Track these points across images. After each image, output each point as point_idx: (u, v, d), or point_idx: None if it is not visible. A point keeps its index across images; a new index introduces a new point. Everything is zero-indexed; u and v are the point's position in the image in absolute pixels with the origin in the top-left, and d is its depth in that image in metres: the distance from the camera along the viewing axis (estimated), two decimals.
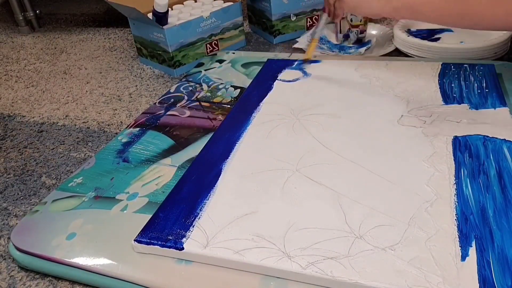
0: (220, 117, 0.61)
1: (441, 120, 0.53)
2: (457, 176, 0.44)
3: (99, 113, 0.72)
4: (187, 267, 0.39)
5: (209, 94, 0.67)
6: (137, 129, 0.60)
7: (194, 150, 0.54)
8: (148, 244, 0.40)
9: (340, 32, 0.82)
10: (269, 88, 0.65)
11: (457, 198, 0.41)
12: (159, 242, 0.40)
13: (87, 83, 0.83)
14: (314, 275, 0.35)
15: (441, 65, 0.65)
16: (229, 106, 0.63)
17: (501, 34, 0.70)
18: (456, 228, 0.38)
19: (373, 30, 0.85)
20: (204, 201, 0.44)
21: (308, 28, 0.89)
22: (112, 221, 0.45)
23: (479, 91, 0.58)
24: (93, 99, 0.77)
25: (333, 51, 0.80)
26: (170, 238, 0.40)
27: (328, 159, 0.49)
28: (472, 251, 0.36)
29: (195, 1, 0.93)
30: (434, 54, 0.70)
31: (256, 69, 0.73)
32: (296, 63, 0.72)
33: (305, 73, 0.68)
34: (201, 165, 0.50)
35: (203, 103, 0.65)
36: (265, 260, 0.37)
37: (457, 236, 0.37)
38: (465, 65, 0.64)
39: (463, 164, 0.45)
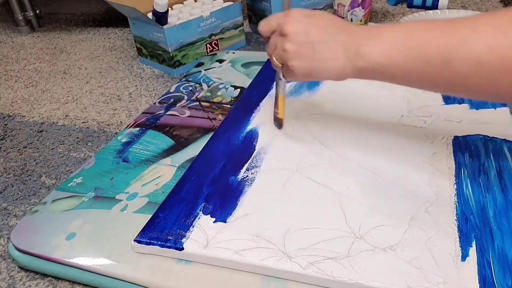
0: (220, 117, 0.61)
1: (441, 120, 0.53)
2: (457, 176, 0.44)
3: (99, 113, 0.72)
4: (187, 267, 0.39)
5: (209, 94, 0.67)
6: (137, 129, 0.60)
7: (194, 150, 0.54)
8: (148, 244, 0.40)
9: None
10: (269, 88, 0.65)
11: (457, 198, 0.41)
12: (159, 242, 0.40)
13: (87, 83, 0.83)
14: (314, 275, 0.35)
15: None
16: (229, 106, 0.63)
17: None
18: (456, 228, 0.38)
19: None
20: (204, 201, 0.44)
21: None
22: (112, 221, 0.45)
23: None
24: (93, 99, 0.77)
25: None
26: (170, 238, 0.40)
27: (328, 159, 0.49)
28: (472, 251, 0.36)
29: (195, 1, 0.93)
30: None
31: (256, 69, 0.73)
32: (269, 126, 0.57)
33: None
34: (201, 165, 0.50)
35: (203, 103, 0.65)
36: (265, 260, 0.37)
37: (457, 236, 0.37)
38: None
39: (463, 164, 0.45)
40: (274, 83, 0.54)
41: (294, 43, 0.43)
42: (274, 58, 0.47)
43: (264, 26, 0.47)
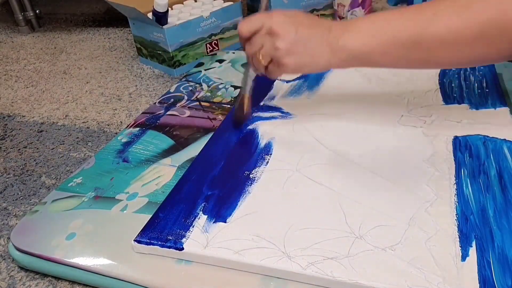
0: (220, 117, 0.61)
1: (441, 120, 0.53)
2: (457, 176, 0.44)
3: (99, 113, 0.72)
4: (187, 267, 0.39)
5: (209, 94, 0.67)
6: (137, 129, 0.60)
7: (194, 150, 0.54)
8: (148, 244, 0.40)
9: None
10: (269, 88, 0.65)
11: (457, 198, 0.41)
12: (159, 242, 0.40)
13: (87, 83, 0.83)
14: (314, 275, 0.35)
15: None
16: (229, 106, 0.63)
17: None
18: (456, 228, 0.38)
19: None
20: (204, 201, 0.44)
21: None
22: (112, 221, 0.45)
23: (479, 91, 0.58)
24: (93, 99, 0.77)
25: None
26: (170, 238, 0.40)
27: (328, 159, 0.49)
28: (472, 251, 0.36)
29: (195, 1, 0.93)
30: None
31: None
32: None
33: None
34: (201, 165, 0.50)
35: (203, 103, 0.65)
36: (265, 260, 0.37)
37: (457, 236, 0.37)
38: None
39: (463, 164, 0.45)
40: (244, 82, 0.54)
41: (285, 41, 0.45)
42: (260, 57, 0.48)
43: (245, 26, 0.48)
